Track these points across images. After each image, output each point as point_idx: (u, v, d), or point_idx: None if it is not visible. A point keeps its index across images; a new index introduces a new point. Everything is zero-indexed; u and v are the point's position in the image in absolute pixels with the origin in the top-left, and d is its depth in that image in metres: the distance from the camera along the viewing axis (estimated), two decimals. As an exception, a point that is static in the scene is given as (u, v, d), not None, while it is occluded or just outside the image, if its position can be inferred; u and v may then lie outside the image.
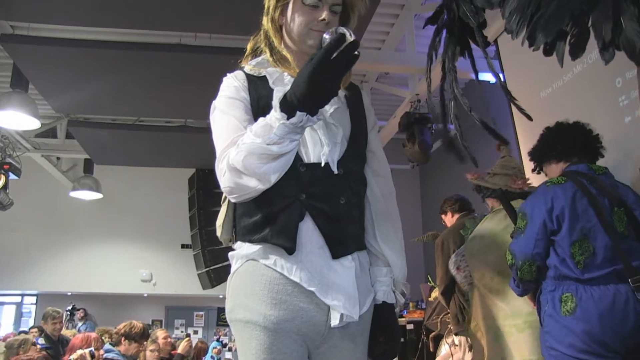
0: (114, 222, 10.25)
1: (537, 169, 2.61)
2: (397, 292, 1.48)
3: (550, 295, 2.22)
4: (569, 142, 2.42)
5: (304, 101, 1.19)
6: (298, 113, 1.19)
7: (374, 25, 5.44)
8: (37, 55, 4.90)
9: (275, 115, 1.22)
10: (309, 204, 1.35)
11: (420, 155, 5.65)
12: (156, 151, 7.49)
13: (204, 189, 7.85)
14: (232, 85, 1.44)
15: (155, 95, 5.81)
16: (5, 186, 6.76)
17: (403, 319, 5.41)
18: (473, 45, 1.29)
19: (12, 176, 6.88)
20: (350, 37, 1.16)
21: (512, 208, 2.69)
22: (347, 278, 1.36)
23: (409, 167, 7.17)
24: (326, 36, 1.18)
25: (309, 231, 1.34)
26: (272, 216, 1.34)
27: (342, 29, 1.17)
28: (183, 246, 10.15)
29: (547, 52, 0.99)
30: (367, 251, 1.47)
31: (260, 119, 1.26)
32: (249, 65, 1.49)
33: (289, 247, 1.32)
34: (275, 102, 1.23)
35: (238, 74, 1.48)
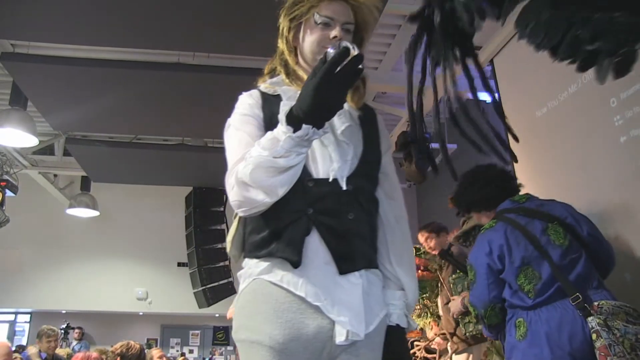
0: (110, 240, 10.22)
1: (462, 215, 2.77)
2: (410, 317, 1.46)
3: (508, 324, 2.32)
4: (491, 194, 2.57)
5: (310, 114, 1.20)
6: (304, 126, 1.20)
7: (371, 45, 5.48)
8: (37, 73, 4.93)
9: (281, 129, 1.23)
10: (316, 219, 1.34)
11: (417, 175, 5.66)
12: (153, 169, 7.49)
13: (201, 208, 7.84)
14: (247, 103, 1.46)
15: (153, 113, 5.83)
16: (1, 203, 6.75)
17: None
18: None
19: (8, 193, 6.87)
20: (354, 51, 1.17)
21: (457, 260, 2.98)
22: (354, 294, 1.34)
23: (405, 186, 7.19)
24: (330, 50, 1.19)
25: (315, 246, 1.34)
26: (279, 231, 1.34)
27: (346, 43, 1.18)
28: (179, 264, 10.10)
29: (582, 68, 0.96)
30: (380, 273, 1.46)
31: (268, 133, 1.27)
32: (265, 84, 1.52)
33: (295, 261, 1.31)
34: (282, 116, 1.24)
35: (253, 92, 1.51)
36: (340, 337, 1.29)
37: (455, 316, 3.32)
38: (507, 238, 2.31)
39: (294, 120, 1.21)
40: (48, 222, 9.99)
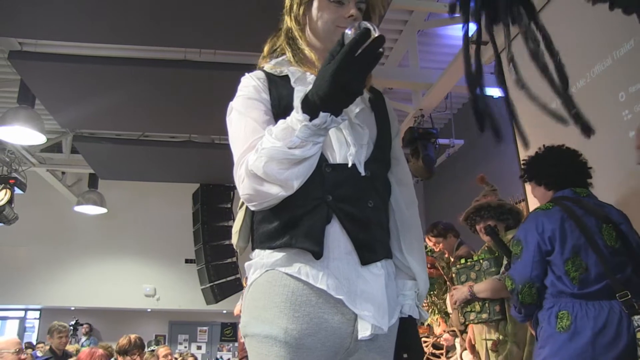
0: (118, 237, 10.28)
1: (525, 179, 2.72)
2: (421, 307, 1.39)
3: (548, 312, 2.30)
4: (560, 175, 2.55)
5: (328, 101, 1.11)
6: (321, 114, 1.12)
7: (377, 41, 5.46)
8: (44, 71, 4.95)
9: (296, 117, 1.14)
10: (336, 207, 1.25)
11: (424, 171, 5.65)
12: (160, 166, 7.52)
13: (208, 204, 7.86)
14: (251, 85, 1.35)
15: (160, 110, 5.85)
16: (10, 201, 6.79)
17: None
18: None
19: (17, 191, 6.91)
20: (374, 33, 1.08)
21: (502, 241, 2.87)
22: (377, 286, 1.27)
23: (412, 182, 7.18)
24: (348, 32, 1.10)
25: (336, 235, 1.25)
26: (295, 220, 1.24)
27: (366, 24, 1.09)
28: (187, 261, 10.16)
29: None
30: (393, 263, 1.39)
31: (280, 121, 1.18)
32: (269, 65, 1.42)
33: (317, 251, 1.21)
34: (297, 103, 1.16)
35: (257, 73, 1.40)
36: (364, 332, 1.22)
37: (458, 303, 3.31)
38: (562, 223, 2.31)
39: (311, 108, 1.12)
40: (56, 220, 10.06)
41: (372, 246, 1.29)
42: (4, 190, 6.68)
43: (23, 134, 5.56)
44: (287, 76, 1.38)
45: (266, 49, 1.48)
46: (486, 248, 3.41)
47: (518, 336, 2.95)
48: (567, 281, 2.23)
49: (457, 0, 1.00)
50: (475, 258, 3.36)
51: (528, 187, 4.01)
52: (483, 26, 1.00)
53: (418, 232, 1.43)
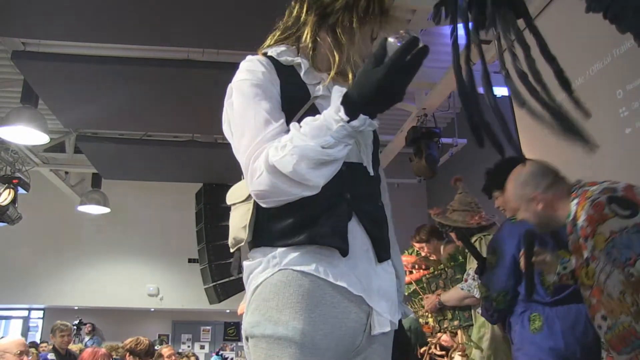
0: (121, 237, 10.29)
1: (489, 194, 2.76)
2: (402, 303, 1.42)
3: (520, 317, 2.45)
4: None
5: (371, 104, 1.10)
6: (361, 116, 1.10)
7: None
8: (47, 71, 4.96)
9: (333, 117, 1.11)
10: (355, 204, 1.27)
11: (427, 170, 5.65)
12: (163, 166, 7.52)
13: (211, 204, 7.86)
14: (259, 71, 1.30)
15: (163, 110, 5.85)
16: (14, 200, 6.80)
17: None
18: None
19: (21, 190, 6.92)
20: (420, 43, 1.08)
21: (473, 246, 2.92)
22: (390, 283, 1.32)
23: (415, 181, 7.18)
24: (392, 40, 1.10)
25: (355, 233, 1.25)
26: (314, 217, 1.22)
27: (414, 33, 1.09)
28: (190, 261, 10.15)
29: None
30: None
31: (309, 119, 1.15)
32: (273, 52, 1.38)
33: (344, 249, 1.21)
34: (338, 103, 1.12)
35: (263, 59, 1.35)
36: (384, 327, 1.26)
37: (429, 313, 3.36)
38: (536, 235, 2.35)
39: (351, 109, 1.10)
40: (59, 219, 10.07)
41: (385, 244, 1.34)
42: (7, 190, 6.69)
43: (26, 134, 5.56)
44: (292, 67, 1.36)
45: (308, 36, 1.37)
46: (449, 255, 3.44)
47: (482, 340, 3.02)
48: (541, 291, 2.34)
49: (441, 7, 0.99)
50: (440, 267, 3.41)
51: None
52: (472, 36, 0.98)
53: (392, 229, 1.46)
